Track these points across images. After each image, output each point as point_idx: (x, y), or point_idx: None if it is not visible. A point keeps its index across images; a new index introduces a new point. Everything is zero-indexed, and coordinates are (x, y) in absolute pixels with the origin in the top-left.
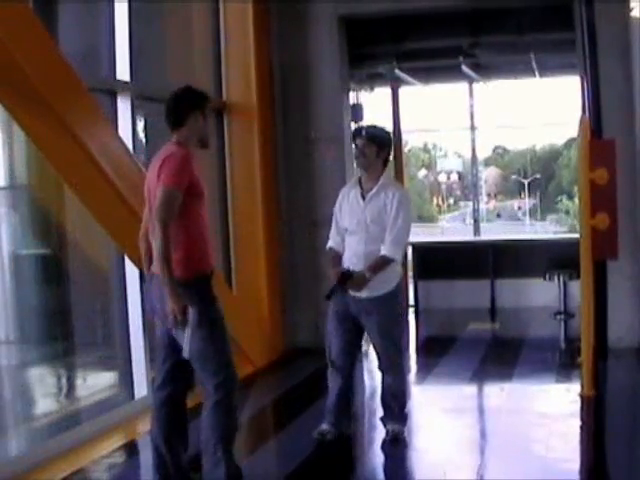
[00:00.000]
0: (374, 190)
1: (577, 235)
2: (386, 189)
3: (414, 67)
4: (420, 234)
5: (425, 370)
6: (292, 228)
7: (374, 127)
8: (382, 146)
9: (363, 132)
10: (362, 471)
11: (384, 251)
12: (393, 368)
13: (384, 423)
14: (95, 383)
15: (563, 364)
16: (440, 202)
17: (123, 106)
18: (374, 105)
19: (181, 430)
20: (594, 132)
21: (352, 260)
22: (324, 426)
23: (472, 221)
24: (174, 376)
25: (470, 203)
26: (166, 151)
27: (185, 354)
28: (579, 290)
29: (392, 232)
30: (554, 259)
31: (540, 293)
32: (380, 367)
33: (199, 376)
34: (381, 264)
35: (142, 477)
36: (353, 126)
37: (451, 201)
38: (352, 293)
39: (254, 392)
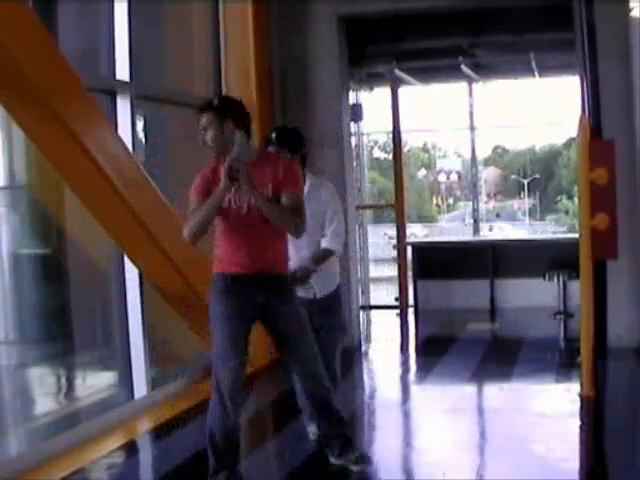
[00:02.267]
0: (306, 189)
1: (576, 235)
2: (319, 186)
3: (414, 67)
4: (419, 234)
5: (424, 370)
6: None
7: (285, 130)
8: (295, 150)
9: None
10: (361, 471)
11: (325, 244)
12: (330, 385)
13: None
14: (94, 383)
15: (563, 364)
16: (440, 202)
17: (122, 106)
18: (373, 105)
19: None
20: (594, 132)
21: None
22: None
23: (472, 221)
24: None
25: (469, 203)
26: None
27: None
28: (579, 290)
29: (331, 226)
30: (554, 259)
31: (540, 293)
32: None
33: None
34: (322, 256)
35: (141, 477)
36: (353, 126)
37: (450, 201)
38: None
39: (254, 392)
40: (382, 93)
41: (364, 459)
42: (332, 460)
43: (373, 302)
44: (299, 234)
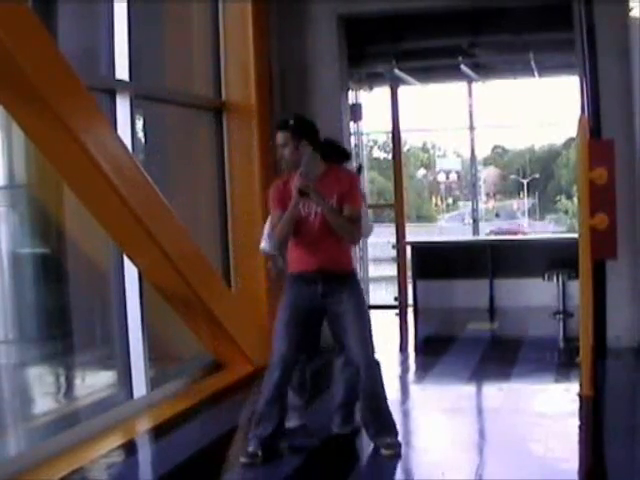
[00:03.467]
0: None
1: (576, 235)
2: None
3: (413, 67)
4: (419, 234)
5: (424, 370)
6: None
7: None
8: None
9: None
10: (361, 470)
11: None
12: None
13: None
14: (94, 382)
15: (562, 364)
16: (439, 202)
17: (122, 105)
18: (373, 105)
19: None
20: (593, 132)
21: None
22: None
23: (471, 221)
24: None
25: (469, 203)
26: None
27: None
28: (578, 290)
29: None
30: (553, 259)
31: (539, 293)
32: None
33: None
34: None
35: (140, 477)
36: (352, 126)
37: (450, 201)
38: None
39: (254, 391)
40: (381, 93)
41: (396, 446)
42: (370, 439)
43: (372, 302)
44: (355, 242)
